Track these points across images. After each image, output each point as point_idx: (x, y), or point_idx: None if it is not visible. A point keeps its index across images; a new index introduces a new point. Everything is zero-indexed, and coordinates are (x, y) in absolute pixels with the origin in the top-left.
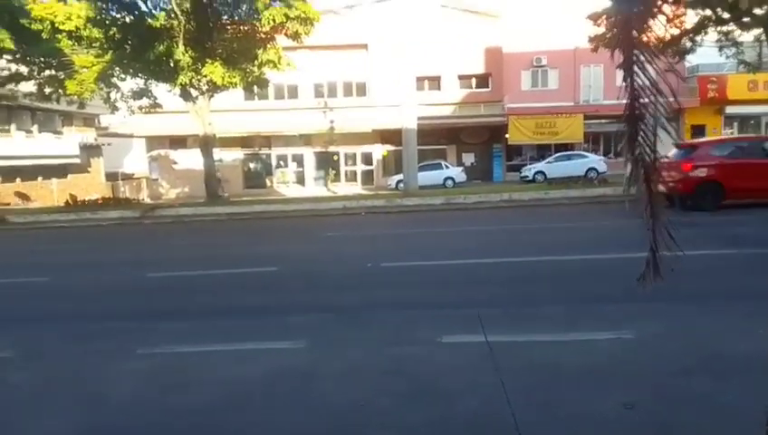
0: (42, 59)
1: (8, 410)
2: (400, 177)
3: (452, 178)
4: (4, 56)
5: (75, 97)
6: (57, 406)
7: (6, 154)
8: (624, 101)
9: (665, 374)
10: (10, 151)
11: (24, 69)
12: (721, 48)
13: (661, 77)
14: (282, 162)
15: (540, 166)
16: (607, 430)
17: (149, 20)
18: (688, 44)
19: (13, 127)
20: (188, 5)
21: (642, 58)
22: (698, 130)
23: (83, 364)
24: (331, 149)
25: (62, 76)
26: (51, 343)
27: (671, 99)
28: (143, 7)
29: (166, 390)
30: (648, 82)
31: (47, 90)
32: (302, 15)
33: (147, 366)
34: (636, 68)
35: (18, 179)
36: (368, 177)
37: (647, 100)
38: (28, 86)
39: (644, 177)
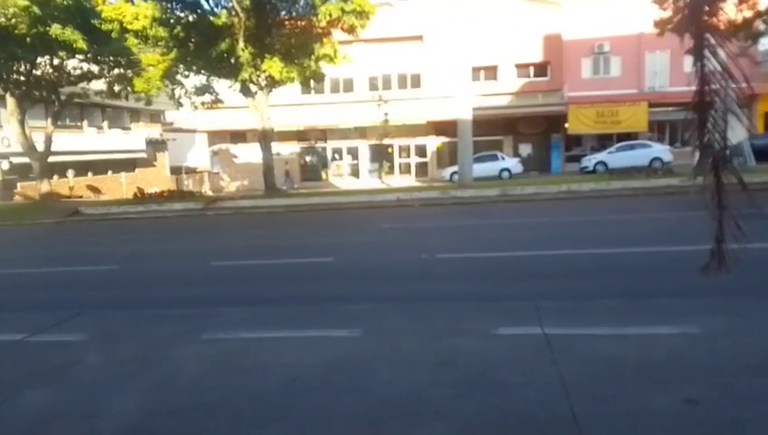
0: (111, 58)
1: (84, 390)
2: (455, 168)
3: (508, 170)
4: (77, 56)
5: (142, 94)
6: (128, 387)
7: (79, 149)
8: (693, 88)
9: (730, 371)
10: (82, 147)
11: (94, 68)
12: None
13: (733, 62)
14: (337, 155)
15: (601, 156)
16: (669, 426)
17: (212, 18)
18: (762, 27)
19: (85, 123)
20: (248, 3)
21: (713, 42)
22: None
23: (151, 348)
24: (386, 141)
25: (130, 74)
26: (121, 328)
27: (743, 84)
28: (206, 6)
29: (228, 373)
30: (719, 67)
31: (116, 87)
32: (358, 9)
33: (211, 351)
34: (706, 52)
35: (90, 173)
36: (422, 169)
37: (717, 85)
38: (99, 84)
39: (712, 165)
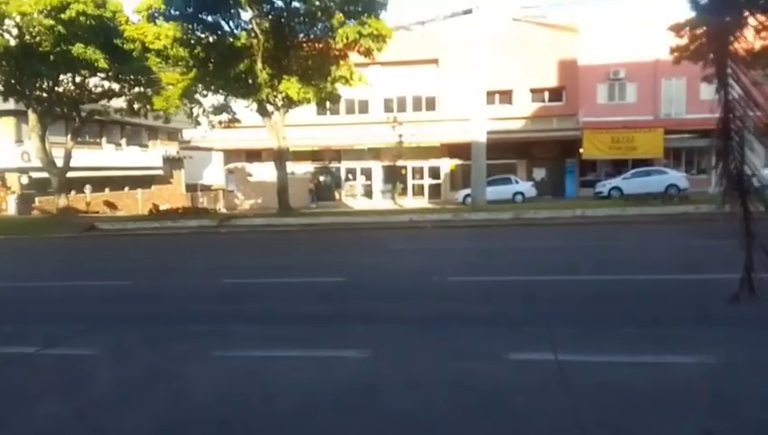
0: (132, 76)
1: (96, 404)
2: (468, 191)
3: (521, 194)
4: (99, 74)
5: (161, 112)
6: (139, 402)
7: (97, 165)
8: (717, 115)
9: (748, 403)
10: (101, 163)
11: (115, 86)
12: None
13: (755, 89)
14: (351, 175)
15: (616, 182)
16: None
17: (231, 39)
18: None
19: (104, 140)
20: (267, 25)
21: (736, 69)
22: None
23: (163, 364)
24: (399, 163)
25: (150, 93)
26: (133, 343)
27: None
28: (226, 28)
29: (240, 391)
30: (743, 94)
31: (136, 105)
32: (375, 33)
33: (222, 368)
34: (729, 80)
35: (107, 189)
36: (435, 191)
37: (741, 113)
38: (118, 102)
39: (739, 193)
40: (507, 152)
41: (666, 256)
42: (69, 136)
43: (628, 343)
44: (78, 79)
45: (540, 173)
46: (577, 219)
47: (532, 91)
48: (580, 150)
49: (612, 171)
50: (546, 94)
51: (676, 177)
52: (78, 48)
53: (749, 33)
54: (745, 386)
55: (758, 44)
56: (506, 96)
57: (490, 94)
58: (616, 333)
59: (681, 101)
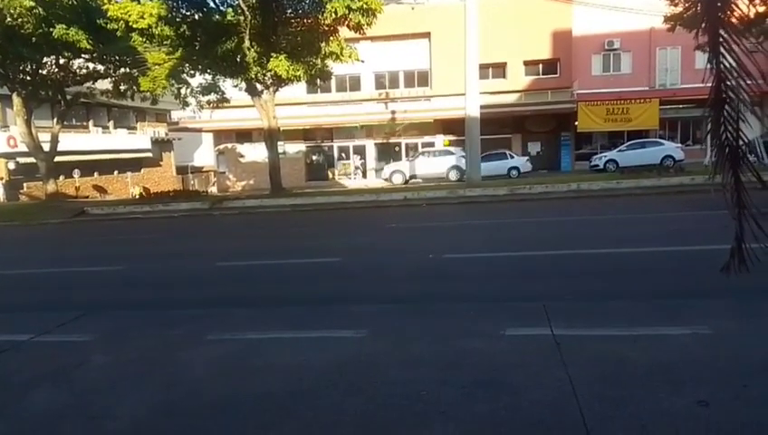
0: (117, 57)
1: (91, 391)
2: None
3: (516, 168)
4: (82, 55)
5: (148, 93)
6: (134, 387)
7: (85, 149)
8: (709, 85)
9: (742, 373)
10: (88, 146)
11: (100, 67)
12: None
13: (748, 58)
14: (343, 154)
15: (611, 154)
16: (680, 428)
17: (218, 17)
18: None
19: (90, 123)
20: (254, 1)
21: (728, 38)
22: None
23: (158, 349)
24: (393, 140)
25: (136, 74)
26: (127, 328)
27: (759, 81)
28: (211, 4)
29: (235, 374)
30: (734, 64)
31: (122, 87)
32: (365, 6)
33: (217, 351)
34: (722, 49)
35: (96, 173)
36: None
37: (733, 82)
38: (104, 84)
39: (730, 163)
40: (502, 127)
41: (660, 229)
42: (55, 120)
43: (624, 315)
44: (62, 61)
45: (535, 147)
46: (573, 193)
47: (526, 63)
48: (576, 123)
49: (608, 144)
50: (540, 67)
51: (672, 148)
52: (59, 30)
53: (741, 1)
54: (739, 356)
55: (752, 12)
56: (500, 69)
57: (483, 68)
58: (611, 307)
59: (676, 70)
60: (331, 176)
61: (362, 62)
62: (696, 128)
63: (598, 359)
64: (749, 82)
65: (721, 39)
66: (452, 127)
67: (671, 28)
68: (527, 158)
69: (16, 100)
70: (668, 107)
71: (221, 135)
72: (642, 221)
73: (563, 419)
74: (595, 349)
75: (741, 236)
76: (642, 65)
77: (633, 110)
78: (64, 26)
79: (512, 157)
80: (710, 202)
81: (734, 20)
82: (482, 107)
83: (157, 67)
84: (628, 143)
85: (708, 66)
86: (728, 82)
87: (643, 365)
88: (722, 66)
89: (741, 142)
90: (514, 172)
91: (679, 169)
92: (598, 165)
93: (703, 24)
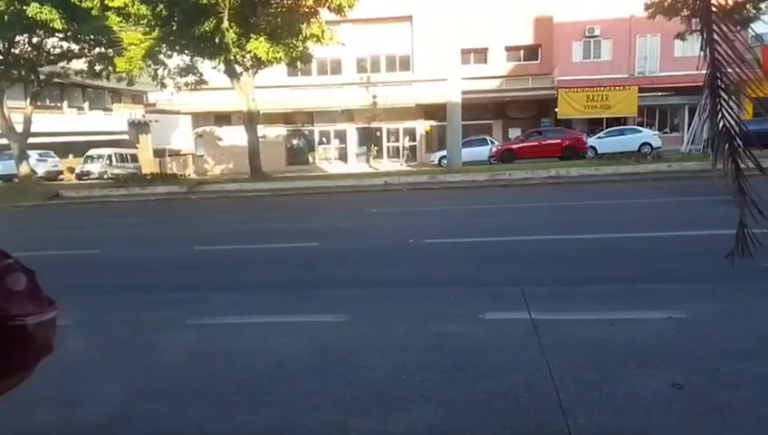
0: (91, 37)
1: (67, 377)
2: (444, 153)
3: None
4: (56, 34)
5: (124, 74)
6: (111, 372)
7: (59, 130)
8: (691, 72)
9: (716, 356)
10: (62, 128)
11: (74, 47)
12: None
13: (742, 46)
14: (324, 138)
15: (591, 141)
16: (654, 410)
17: None
18: (752, 12)
19: (65, 104)
20: None
21: (722, 27)
22: (764, 105)
23: (135, 334)
24: (374, 124)
25: (112, 54)
26: (104, 313)
27: (754, 69)
28: None
29: (214, 359)
30: (729, 51)
31: (97, 67)
32: None
33: (195, 336)
34: (716, 36)
35: (71, 155)
36: (411, 152)
37: (728, 70)
38: (79, 64)
39: (730, 151)
40: (483, 113)
41: (637, 215)
42: (28, 100)
43: (601, 300)
44: (35, 40)
45: (515, 133)
46: (552, 179)
47: (508, 49)
48: (556, 110)
49: (587, 130)
50: (522, 53)
51: (650, 135)
52: (33, 8)
53: None
54: (712, 339)
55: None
56: (481, 55)
57: (465, 53)
58: (589, 291)
59: (655, 58)
60: (311, 160)
61: (343, 45)
62: (674, 115)
63: (575, 342)
64: (744, 69)
65: (716, 27)
66: (433, 112)
67: (651, 16)
68: None
69: None
70: (647, 94)
71: (199, 118)
72: (620, 207)
73: (540, 401)
74: (572, 332)
75: (745, 222)
76: (622, 53)
77: (612, 97)
78: (38, 4)
79: (493, 143)
80: (686, 189)
81: (726, 8)
82: (463, 93)
83: (133, 47)
84: (607, 130)
85: (702, 54)
86: (723, 70)
87: (619, 348)
88: (716, 54)
89: (740, 128)
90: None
91: (657, 156)
92: None
93: (685, 11)
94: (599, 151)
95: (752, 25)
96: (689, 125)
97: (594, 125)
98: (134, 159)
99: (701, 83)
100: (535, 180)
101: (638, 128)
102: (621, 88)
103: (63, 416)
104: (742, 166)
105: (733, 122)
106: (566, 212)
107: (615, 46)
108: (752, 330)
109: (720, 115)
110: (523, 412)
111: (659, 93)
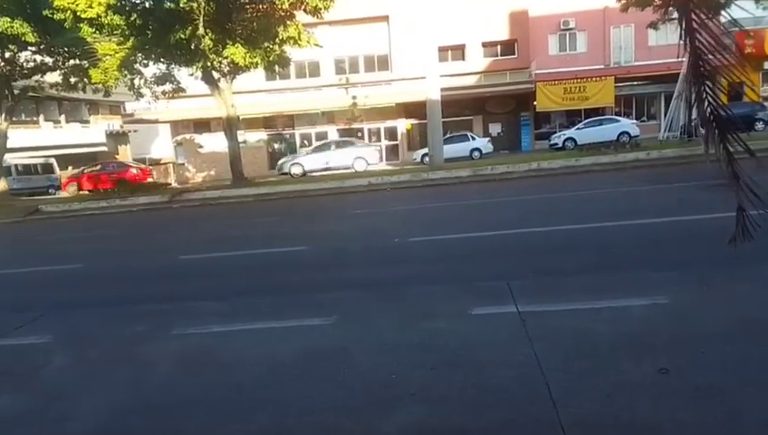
0: (65, 49)
1: (54, 393)
2: (426, 150)
3: (479, 150)
4: (29, 48)
5: (100, 85)
6: (99, 387)
7: (36, 145)
8: (667, 61)
9: (700, 340)
10: (39, 142)
11: (48, 60)
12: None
13: (722, 33)
14: (306, 141)
15: (570, 132)
16: (642, 396)
17: (169, 4)
18: None
19: (41, 118)
20: None
21: (701, 15)
22: (735, 88)
23: (121, 347)
24: (355, 125)
25: (86, 65)
26: (88, 328)
27: (736, 55)
28: None
29: (202, 368)
30: (710, 39)
31: (72, 79)
32: None
33: (183, 346)
34: (696, 26)
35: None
36: (393, 152)
37: (710, 57)
38: (53, 77)
39: (720, 137)
40: (462, 109)
41: (617, 204)
42: (2, 116)
43: (586, 289)
44: (7, 55)
45: (496, 128)
46: (533, 172)
47: (485, 45)
48: (534, 103)
49: (566, 122)
50: (498, 48)
51: (627, 124)
52: (4, 22)
53: None
54: (696, 324)
55: None
56: (459, 51)
57: (443, 50)
58: (573, 281)
59: (630, 48)
60: None
61: (321, 46)
62: (650, 104)
63: (562, 333)
64: (726, 55)
65: (695, 15)
66: (413, 110)
67: (624, 8)
68: (488, 139)
69: None
70: (623, 84)
71: (178, 126)
72: (600, 197)
73: (530, 393)
74: (559, 323)
75: (743, 206)
76: (597, 44)
77: (589, 88)
78: (8, 19)
79: (473, 138)
80: (666, 176)
81: None
82: (442, 90)
83: (108, 58)
84: (586, 121)
85: (681, 43)
86: (705, 58)
87: (606, 337)
88: (696, 42)
89: (727, 114)
90: (477, 154)
91: (635, 145)
92: (557, 144)
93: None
94: (578, 142)
95: (727, 10)
96: (666, 113)
97: (573, 117)
98: (47, 169)
99: (677, 71)
100: (517, 174)
101: (615, 118)
102: (598, 79)
103: (51, 432)
104: (731, 150)
105: (719, 109)
106: (548, 204)
107: (590, 38)
108: (733, 313)
109: (706, 102)
110: (514, 406)
111: (635, 83)
